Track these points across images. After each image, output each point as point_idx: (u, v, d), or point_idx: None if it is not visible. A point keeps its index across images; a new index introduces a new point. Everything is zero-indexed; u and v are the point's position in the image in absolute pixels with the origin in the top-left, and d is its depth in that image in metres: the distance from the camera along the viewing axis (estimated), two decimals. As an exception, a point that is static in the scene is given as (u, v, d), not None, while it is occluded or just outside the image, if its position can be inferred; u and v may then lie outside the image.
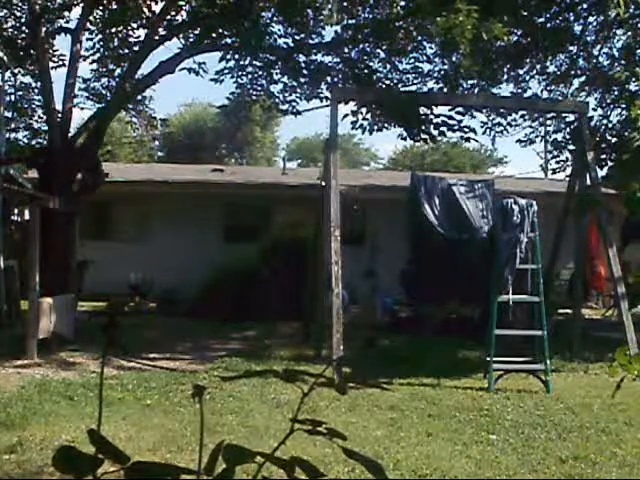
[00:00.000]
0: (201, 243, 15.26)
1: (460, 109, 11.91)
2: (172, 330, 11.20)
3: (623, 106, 12.64)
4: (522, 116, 14.08)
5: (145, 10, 11.88)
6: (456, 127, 12.25)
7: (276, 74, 12.89)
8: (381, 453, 5.05)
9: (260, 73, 12.96)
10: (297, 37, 12.27)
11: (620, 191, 9.98)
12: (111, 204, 15.87)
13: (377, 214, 15.52)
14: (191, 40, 12.52)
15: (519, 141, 15.11)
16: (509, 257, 7.84)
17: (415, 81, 13.03)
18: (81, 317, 11.03)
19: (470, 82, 12.86)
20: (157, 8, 11.83)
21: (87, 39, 12.71)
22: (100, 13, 12.52)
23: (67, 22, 13.04)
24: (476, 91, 13.01)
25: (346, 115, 11.84)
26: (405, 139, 13.23)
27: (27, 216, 13.44)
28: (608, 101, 13.34)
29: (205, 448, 1.21)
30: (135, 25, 12.47)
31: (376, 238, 14.85)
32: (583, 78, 13.84)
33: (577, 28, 12.79)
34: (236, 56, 12.23)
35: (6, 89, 13.10)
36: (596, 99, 13.77)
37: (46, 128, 12.86)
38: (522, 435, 5.71)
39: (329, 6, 9.14)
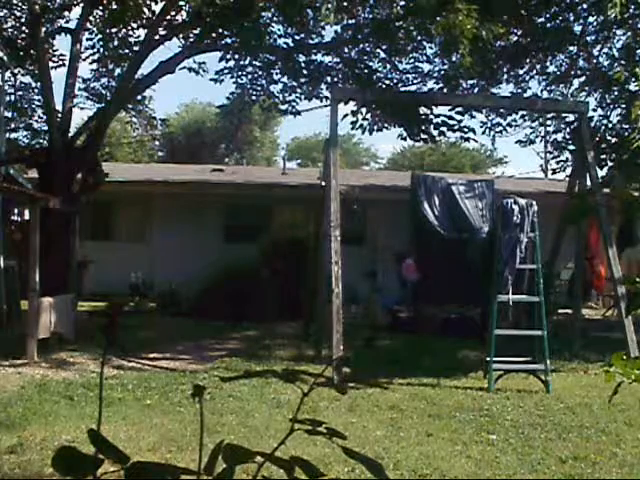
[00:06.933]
0: (201, 243, 15.26)
1: (460, 109, 11.93)
2: (172, 330, 11.19)
3: (623, 106, 12.64)
4: (522, 116, 14.10)
5: (145, 10, 11.88)
6: (456, 127, 12.28)
7: (276, 74, 12.91)
8: (381, 453, 5.04)
9: (260, 73, 12.97)
10: (297, 37, 12.27)
11: (618, 195, 9.94)
12: (111, 204, 15.87)
13: (377, 214, 15.51)
14: (191, 40, 12.53)
15: (519, 142, 15.15)
16: (509, 257, 7.85)
17: (415, 81, 13.06)
18: (81, 317, 11.01)
19: (470, 82, 12.88)
20: (157, 8, 11.84)
21: (87, 39, 12.74)
22: (100, 13, 12.53)
23: (67, 22, 13.07)
24: (476, 91, 13.03)
25: (346, 115, 11.85)
26: (405, 139, 13.28)
27: (27, 216, 13.43)
28: (608, 101, 13.34)
29: (205, 448, 1.21)
30: (135, 25, 12.48)
31: (376, 238, 14.85)
32: (583, 78, 13.84)
33: (577, 28, 12.80)
34: (236, 56, 12.24)
35: (6, 89, 13.09)
36: (596, 99, 13.79)
37: (46, 128, 12.87)
38: (522, 435, 5.70)
39: (327, 5, 9.12)
